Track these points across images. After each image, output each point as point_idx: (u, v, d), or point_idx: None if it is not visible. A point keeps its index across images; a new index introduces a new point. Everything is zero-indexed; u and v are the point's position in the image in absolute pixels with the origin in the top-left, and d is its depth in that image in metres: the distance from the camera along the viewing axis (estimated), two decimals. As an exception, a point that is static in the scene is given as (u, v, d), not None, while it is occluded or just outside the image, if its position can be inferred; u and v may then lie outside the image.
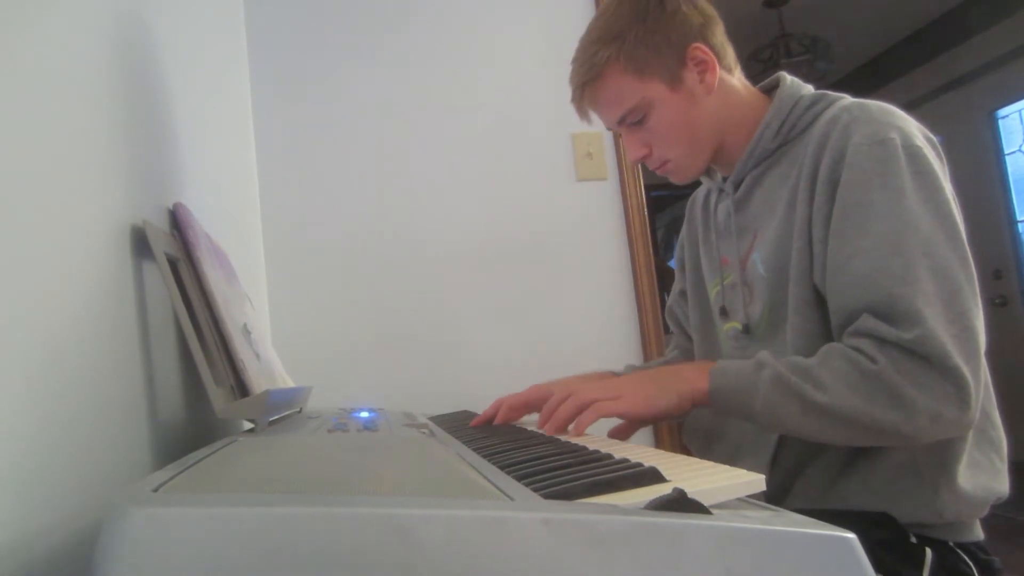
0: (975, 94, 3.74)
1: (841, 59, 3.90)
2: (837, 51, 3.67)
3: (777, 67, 3.35)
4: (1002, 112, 3.68)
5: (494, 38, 1.74)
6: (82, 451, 0.51)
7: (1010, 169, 3.65)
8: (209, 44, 1.25)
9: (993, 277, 3.65)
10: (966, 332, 0.72)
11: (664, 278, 1.73)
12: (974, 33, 3.69)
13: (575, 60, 0.95)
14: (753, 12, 3.58)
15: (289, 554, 0.29)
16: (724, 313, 0.98)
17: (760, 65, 3.52)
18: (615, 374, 1.09)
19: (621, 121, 0.93)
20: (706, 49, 0.90)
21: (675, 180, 0.97)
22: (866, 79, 4.25)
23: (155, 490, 0.34)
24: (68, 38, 0.59)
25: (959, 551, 0.79)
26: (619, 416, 0.79)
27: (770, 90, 0.96)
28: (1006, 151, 3.67)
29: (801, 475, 0.85)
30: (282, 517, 0.30)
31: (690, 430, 1.05)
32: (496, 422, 0.87)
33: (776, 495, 0.86)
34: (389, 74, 1.68)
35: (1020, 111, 3.60)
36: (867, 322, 0.74)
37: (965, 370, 0.70)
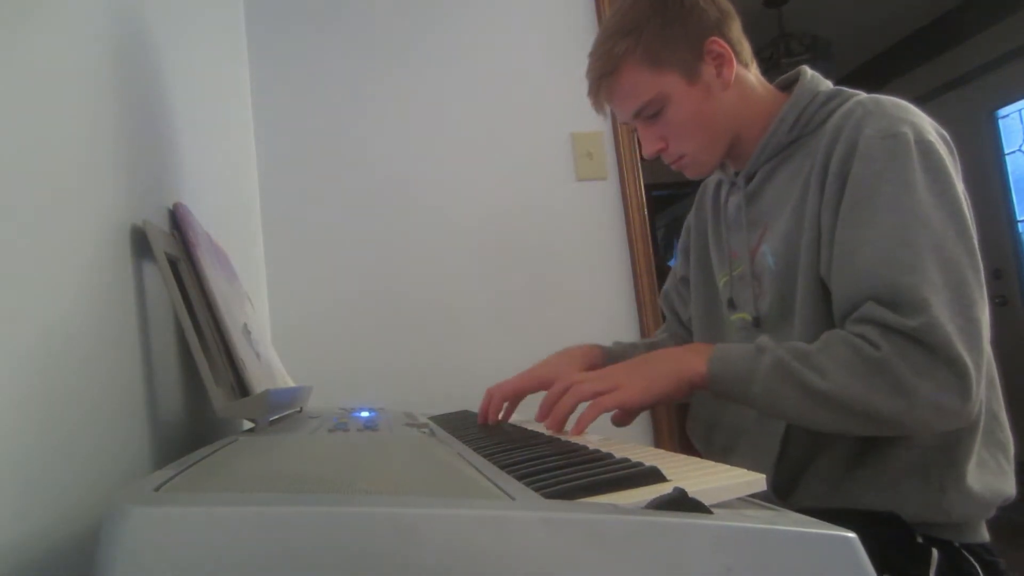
0: (975, 94, 3.74)
1: (841, 59, 3.89)
2: (837, 51, 3.66)
3: (778, 67, 3.35)
4: (1002, 112, 3.67)
5: (494, 38, 1.74)
6: (82, 451, 0.51)
7: (1010, 169, 3.65)
8: (209, 43, 1.24)
9: (993, 277, 3.65)
10: (971, 323, 0.71)
11: (664, 278, 1.73)
12: (974, 33, 3.69)
13: (592, 54, 0.95)
14: (753, 12, 3.57)
15: (289, 554, 0.29)
16: (732, 304, 0.98)
17: (760, 65, 3.51)
18: (600, 347, 1.09)
19: (638, 114, 0.93)
20: (723, 43, 0.90)
21: (690, 175, 0.97)
22: (866, 79, 4.24)
23: (156, 490, 0.34)
24: (67, 38, 0.59)
25: (964, 552, 0.79)
26: (620, 408, 0.79)
27: (788, 86, 0.96)
28: (1006, 151, 3.66)
29: (807, 472, 0.85)
30: (282, 517, 0.30)
31: (693, 418, 1.05)
32: (490, 416, 0.87)
33: (782, 492, 0.86)
34: (389, 74, 1.68)
35: (1020, 111, 3.60)
36: (871, 309, 0.73)
37: (968, 360, 0.70)
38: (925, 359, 0.70)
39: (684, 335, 1.14)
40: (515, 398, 0.91)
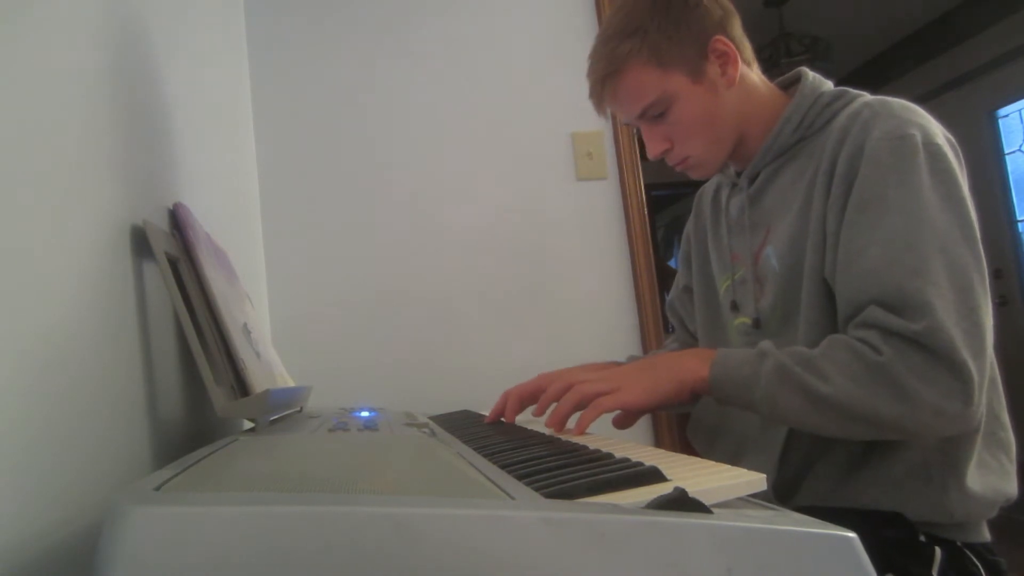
0: (975, 94, 3.74)
1: (841, 59, 3.89)
2: (837, 51, 3.66)
3: (777, 67, 3.35)
4: (1002, 112, 3.68)
5: (494, 38, 1.74)
6: (82, 451, 0.51)
7: (1010, 169, 3.65)
8: (209, 43, 1.24)
9: (993, 277, 3.64)
10: (975, 328, 0.71)
11: (664, 278, 1.73)
12: (974, 33, 3.69)
13: (593, 55, 0.94)
14: (753, 12, 3.58)
15: (290, 554, 0.29)
16: (734, 308, 0.98)
17: (760, 65, 3.51)
18: (619, 364, 1.09)
19: (642, 115, 0.92)
20: (727, 42, 0.90)
21: (695, 176, 0.97)
22: (866, 79, 4.24)
23: (156, 489, 0.34)
24: (68, 38, 0.59)
25: (966, 551, 0.79)
26: (620, 409, 0.79)
27: (788, 86, 0.96)
28: (1006, 151, 3.66)
29: (810, 472, 0.85)
30: (282, 517, 0.30)
31: (694, 425, 1.04)
32: (506, 415, 0.86)
33: (785, 493, 0.86)
34: (389, 74, 1.68)
35: (1020, 111, 3.60)
36: (874, 313, 0.73)
37: (971, 365, 0.69)
38: (927, 364, 0.69)
39: (693, 344, 1.13)
40: (531, 399, 0.90)
